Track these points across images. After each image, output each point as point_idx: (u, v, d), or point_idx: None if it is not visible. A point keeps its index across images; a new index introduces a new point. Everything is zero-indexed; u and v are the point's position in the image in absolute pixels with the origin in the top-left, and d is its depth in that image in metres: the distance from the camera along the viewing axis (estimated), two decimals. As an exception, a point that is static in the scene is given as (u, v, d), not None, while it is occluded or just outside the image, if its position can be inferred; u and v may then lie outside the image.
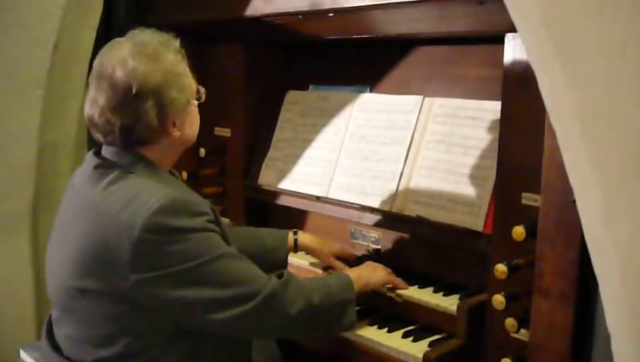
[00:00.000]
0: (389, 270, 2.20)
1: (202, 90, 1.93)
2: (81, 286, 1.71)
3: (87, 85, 3.05)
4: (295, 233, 2.38)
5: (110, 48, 1.77)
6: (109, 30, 3.18)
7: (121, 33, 1.90)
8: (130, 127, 1.72)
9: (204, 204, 1.76)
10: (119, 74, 1.70)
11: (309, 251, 2.40)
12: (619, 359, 0.96)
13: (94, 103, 1.74)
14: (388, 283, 2.17)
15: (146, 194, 1.67)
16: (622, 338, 0.94)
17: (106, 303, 1.71)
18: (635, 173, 0.84)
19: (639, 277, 0.90)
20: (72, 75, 2.99)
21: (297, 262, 2.47)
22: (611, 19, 0.83)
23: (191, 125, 1.89)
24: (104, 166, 1.78)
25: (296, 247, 2.36)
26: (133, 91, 1.69)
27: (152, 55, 1.74)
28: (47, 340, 1.93)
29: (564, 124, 0.97)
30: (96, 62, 1.77)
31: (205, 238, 1.71)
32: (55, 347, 1.89)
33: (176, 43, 1.84)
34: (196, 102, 1.91)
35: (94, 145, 3.33)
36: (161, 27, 1.92)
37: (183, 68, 1.82)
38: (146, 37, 1.80)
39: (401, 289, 2.18)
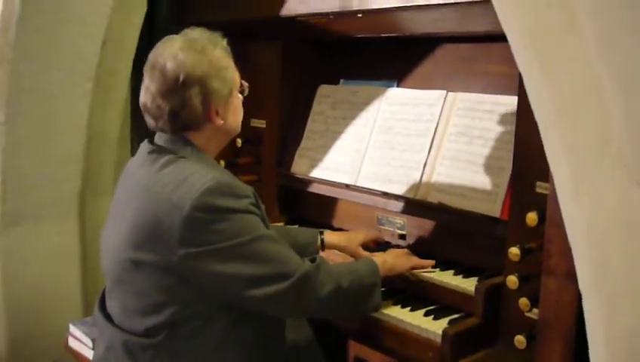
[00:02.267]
0: (415, 257, 2.32)
1: (245, 84, 2.08)
2: (134, 259, 1.84)
3: (130, 79, 3.25)
4: (322, 233, 2.49)
5: (164, 43, 1.94)
6: (151, 28, 3.33)
7: (163, 31, 2.07)
8: (178, 112, 1.88)
9: (248, 189, 1.88)
10: (170, 65, 1.87)
11: (336, 248, 2.50)
12: (589, 316, 1.11)
13: (147, 91, 1.91)
14: (412, 268, 2.29)
15: (196, 177, 1.80)
16: (591, 299, 1.10)
17: (156, 275, 1.83)
18: (594, 161, 1.00)
19: (602, 244, 1.06)
20: (117, 70, 3.17)
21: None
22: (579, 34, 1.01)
23: (234, 115, 2.03)
24: (157, 151, 1.93)
25: (324, 246, 2.47)
26: (181, 79, 1.85)
27: (199, 49, 1.91)
28: (100, 311, 2.05)
29: (544, 118, 1.14)
30: (151, 55, 1.94)
31: (248, 219, 1.83)
32: (107, 317, 2.01)
33: (223, 41, 2.00)
34: (240, 96, 2.05)
35: (137, 137, 3.52)
36: (201, 25, 2.08)
37: (227, 62, 1.97)
38: (196, 34, 1.96)
39: (427, 267, 2.29)
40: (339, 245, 2.49)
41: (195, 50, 1.90)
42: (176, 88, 1.87)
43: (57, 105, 2.95)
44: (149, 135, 2.11)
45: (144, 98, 1.94)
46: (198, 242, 1.77)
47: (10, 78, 2.76)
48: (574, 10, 1.04)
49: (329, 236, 2.50)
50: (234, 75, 2.01)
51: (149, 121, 1.97)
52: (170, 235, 1.77)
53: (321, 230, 2.53)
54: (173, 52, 1.89)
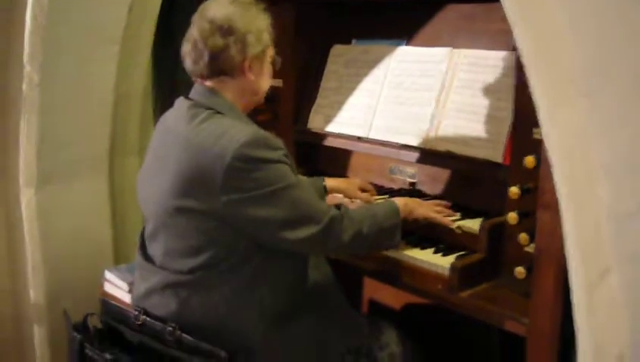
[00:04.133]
0: (438, 208, 2.43)
1: (278, 59, 2.24)
2: (179, 205, 1.98)
3: (154, 42, 3.37)
4: (323, 180, 2.66)
5: (212, 2, 2.12)
6: None
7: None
8: (217, 55, 2.05)
9: (280, 142, 2.02)
10: (216, 14, 2.05)
11: (337, 191, 2.67)
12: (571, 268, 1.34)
13: (190, 37, 2.09)
14: (430, 220, 2.38)
15: (234, 130, 1.95)
16: (571, 249, 1.34)
17: (199, 219, 1.96)
18: (563, 91, 1.23)
19: (569, 157, 1.30)
20: (140, 33, 3.26)
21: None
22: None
23: (262, 77, 2.17)
24: (196, 106, 2.07)
25: (326, 191, 2.65)
26: (224, 26, 2.03)
27: (246, 7, 2.10)
28: (141, 253, 2.21)
29: (526, 61, 1.39)
30: (200, 8, 2.11)
31: (281, 169, 1.97)
32: (149, 260, 2.17)
33: (262, 6, 2.16)
34: (270, 65, 2.21)
35: (159, 98, 3.63)
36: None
37: (265, 26, 2.14)
38: None
39: (448, 225, 2.37)
40: (340, 189, 2.67)
41: (242, 7, 2.09)
42: (218, 33, 2.03)
43: (87, 68, 3.04)
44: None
45: (186, 45, 2.11)
46: (238, 189, 1.91)
47: (43, 43, 2.85)
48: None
49: (330, 182, 2.67)
50: (268, 40, 2.16)
51: (189, 65, 2.12)
52: (212, 183, 1.91)
53: (323, 177, 2.69)
54: (221, 4, 2.08)
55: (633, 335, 1.24)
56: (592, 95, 1.22)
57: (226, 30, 2.05)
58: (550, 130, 1.37)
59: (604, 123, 1.21)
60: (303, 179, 2.54)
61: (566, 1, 1.25)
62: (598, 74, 1.22)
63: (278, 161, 1.98)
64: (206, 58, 2.07)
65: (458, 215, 2.46)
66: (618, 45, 1.19)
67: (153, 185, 2.12)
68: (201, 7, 2.13)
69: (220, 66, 2.08)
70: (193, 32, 2.09)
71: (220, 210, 1.94)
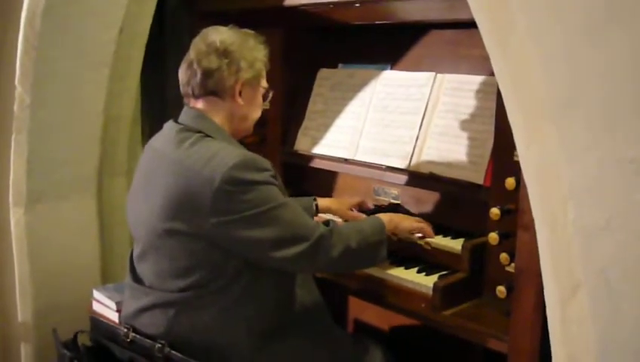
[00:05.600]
0: (421, 222, 2.46)
1: (271, 92, 2.30)
2: (168, 227, 2.00)
3: (143, 66, 3.39)
4: (315, 199, 2.71)
5: (213, 28, 2.19)
6: (161, 16, 3.44)
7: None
8: (210, 74, 2.11)
9: (268, 163, 2.05)
10: (213, 37, 2.13)
11: (328, 212, 2.73)
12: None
13: (186, 59, 2.16)
14: (415, 231, 2.44)
15: (223, 153, 1.98)
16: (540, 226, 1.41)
17: (188, 241, 1.99)
18: (541, 120, 1.29)
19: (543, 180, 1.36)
20: (130, 56, 3.26)
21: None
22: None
23: (252, 105, 2.22)
24: (185, 130, 2.10)
25: (317, 211, 2.70)
26: (219, 49, 2.10)
27: (243, 35, 2.17)
28: (131, 274, 2.22)
29: (504, 90, 1.45)
30: (202, 32, 2.19)
31: (270, 190, 2.01)
32: (138, 281, 2.19)
33: (261, 39, 2.23)
34: (262, 97, 2.26)
35: (147, 120, 3.65)
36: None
37: (261, 56, 2.21)
38: (242, 29, 2.22)
39: (429, 235, 2.44)
40: (332, 207, 2.72)
41: (242, 35, 2.17)
42: (214, 54, 2.10)
43: (78, 90, 3.05)
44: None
45: (182, 65, 2.18)
46: (227, 211, 1.94)
47: (35, 64, 2.87)
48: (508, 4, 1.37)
49: (321, 201, 2.72)
50: (262, 69, 2.22)
51: (182, 85, 2.19)
52: (202, 206, 1.94)
53: (314, 197, 2.73)
54: (223, 31, 2.16)
55: (602, 346, 1.30)
56: (562, 121, 1.29)
57: (221, 52, 2.12)
58: (525, 152, 1.44)
59: (572, 147, 1.29)
60: (293, 199, 2.56)
61: (537, 32, 1.32)
62: (568, 102, 1.29)
63: (267, 183, 2.02)
64: (198, 77, 2.13)
65: (440, 235, 2.51)
66: (587, 76, 1.26)
67: (142, 207, 2.15)
68: (204, 31, 2.20)
69: (211, 86, 2.13)
70: (190, 53, 2.16)
71: (210, 231, 1.97)
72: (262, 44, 2.23)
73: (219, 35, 2.15)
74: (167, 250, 2.06)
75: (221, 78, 2.13)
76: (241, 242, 1.99)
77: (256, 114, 2.28)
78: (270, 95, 2.31)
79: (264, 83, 2.26)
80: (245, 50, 2.16)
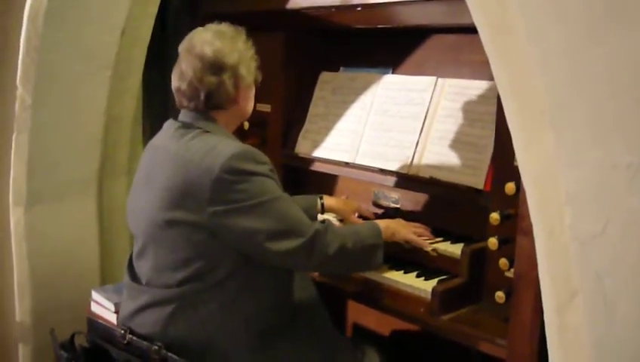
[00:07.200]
0: (419, 230, 2.47)
1: (260, 74, 2.28)
2: (169, 217, 2.02)
3: (145, 67, 3.40)
4: (321, 198, 2.71)
5: (197, 33, 2.17)
6: (163, 18, 3.46)
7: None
8: (213, 92, 2.11)
9: (267, 157, 2.08)
10: (207, 50, 2.10)
11: (334, 211, 2.74)
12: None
13: (183, 75, 2.13)
14: (412, 242, 2.43)
15: (222, 145, 2.01)
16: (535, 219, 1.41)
17: (188, 231, 2.00)
18: (539, 125, 1.29)
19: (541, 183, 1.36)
20: (132, 58, 3.27)
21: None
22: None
23: (249, 102, 2.25)
24: (185, 127, 2.13)
25: (323, 210, 2.71)
26: (217, 65, 2.09)
27: (230, 39, 2.15)
28: (129, 274, 2.24)
29: (503, 95, 1.44)
30: (185, 43, 2.16)
31: (267, 182, 2.03)
32: (136, 280, 2.20)
33: (245, 34, 2.22)
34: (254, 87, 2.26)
35: (147, 120, 3.66)
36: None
37: (252, 54, 2.21)
38: (223, 27, 2.19)
39: (424, 248, 2.42)
40: (336, 208, 2.73)
41: (228, 39, 2.14)
42: (211, 71, 2.09)
43: (80, 91, 3.07)
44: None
45: (178, 82, 2.15)
46: (225, 200, 1.97)
47: (37, 65, 2.89)
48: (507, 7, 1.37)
49: (328, 200, 2.73)
50: (254, 67, 2.23)
51: (182, 100, 2.17)
52: (200, 195, 1.97)
53: (321, 195, 2.74)
54: (208, 39, 2.12)
55: (598, 352, 1.30)
56: (560, 127, 1.29)
57: (218, 67, 2.11)
58: (523, 158, 1.43)
59: (570, 153, 1.28)
60: (300, 196, 2.60)
61: (536, 37, 1.32)
62: (566, 108, 1.29)
63: (265, 175, 2.04)
64: (202, 96, 2.13)
65: (440, 239, 2.51)
66: (584, 81, 1.26)
67: (142, 200, 2.16)
68: (187, 39, 2.18)
69: (215, 102, 2.15)
70: (185, 69, 2.13)
71: (208, 221, 1.99)
72: (248, 41, 2.23)
73: (207, 45, 2.12)
74: (167, 242, 2.07)
75: (225, 91, 2.14)
76: (236, 232, 2.00)
77: (252, 106, 2.30)
78: (260, 76, 2.31)
79: (259, 77, 2.28)
80: (240, 56, 2.16)
